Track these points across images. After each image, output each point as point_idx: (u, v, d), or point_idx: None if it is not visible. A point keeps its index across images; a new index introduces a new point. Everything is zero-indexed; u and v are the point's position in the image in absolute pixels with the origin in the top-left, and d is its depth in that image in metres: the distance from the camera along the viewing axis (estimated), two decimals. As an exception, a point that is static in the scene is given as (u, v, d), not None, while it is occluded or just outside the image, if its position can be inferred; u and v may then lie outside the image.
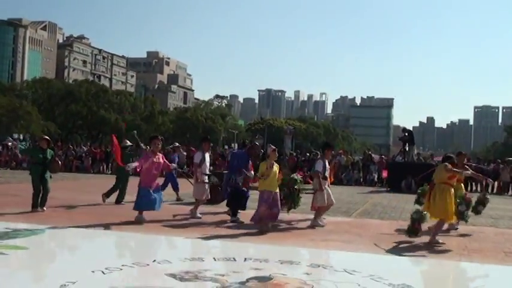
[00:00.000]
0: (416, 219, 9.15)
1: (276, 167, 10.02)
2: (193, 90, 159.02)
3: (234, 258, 7.20)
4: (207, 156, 11.78)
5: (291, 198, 11.00)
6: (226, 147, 43.80)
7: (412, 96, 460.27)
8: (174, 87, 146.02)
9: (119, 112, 72.76)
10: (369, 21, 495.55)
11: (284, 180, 11.03)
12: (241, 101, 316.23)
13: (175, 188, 14.88)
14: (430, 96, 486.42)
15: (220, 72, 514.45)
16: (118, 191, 13.52)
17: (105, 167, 30.18)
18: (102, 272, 6.06)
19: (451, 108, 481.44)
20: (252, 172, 10.98)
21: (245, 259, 7.19)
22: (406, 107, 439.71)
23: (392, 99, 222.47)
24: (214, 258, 7.18)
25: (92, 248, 8.28)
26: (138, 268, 6.48)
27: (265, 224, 9.84)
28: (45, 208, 11.46)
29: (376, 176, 26.28)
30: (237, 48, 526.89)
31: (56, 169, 12.29)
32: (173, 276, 5.98)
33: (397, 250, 8.49)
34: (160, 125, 76.40)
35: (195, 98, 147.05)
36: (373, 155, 28.89)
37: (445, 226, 10.00)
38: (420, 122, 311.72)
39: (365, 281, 6.16)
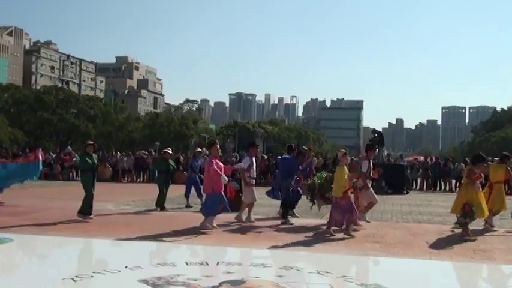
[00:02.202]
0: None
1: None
2: (163, 95, 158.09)
3: (206, 263, 7.17)
4: (254, 160, 12.03)
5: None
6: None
7: (381, 98, 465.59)
8: (144, 92, 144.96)
9: (88, 119, 71.86)
10: (338, 24, 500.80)
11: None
12: (212, 105, 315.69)
13: (199, 195, 14.58)
14: (399, 97, 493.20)
15: (190, 77, 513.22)
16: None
17: (74, 174, 29.80)
18: (73, 280, 5.97)
19: (419, 109, 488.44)
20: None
21: (218, 263, 7.16)
22: (375, 109, 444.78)
23: (362, 101, 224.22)
24: (186, 263, 7.11)
25: (62, 256, 8.15)
26: (109, 275, 6.39)
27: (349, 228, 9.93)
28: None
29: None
30: (207, 53, 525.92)
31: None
32: (145, 282, 5.91)
33: (369, 250, 8.56)
34: (131, 132, 75.78)
35: (166, 103, 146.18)
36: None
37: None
38: (389, 123, 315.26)
39: (337, 282, 6.20)
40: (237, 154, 31.79)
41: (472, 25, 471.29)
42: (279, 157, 16.26)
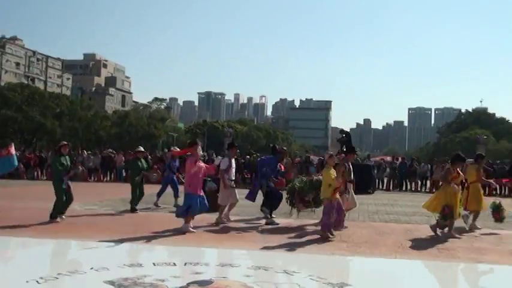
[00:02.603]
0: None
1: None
2: (131, 93, 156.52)
3: (174, 263, 7.13)
4: (233, 162, 11.89)
5: (318, 199, 10.96)
6: (166, 150, 43.31)
7: (349, 99, 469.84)
8: (112, 89, 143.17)
9: (55, 117, 70.62)
10: (307, 25, 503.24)
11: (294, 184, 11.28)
12: (181, 104, 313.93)
13: (176, 195, 14.57)
14: (367, 98, 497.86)
15: (159, 75, 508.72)
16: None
17: (39, 173, 29.29)
18: (37, 282, 5.87)
19: (386, 110, 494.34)
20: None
21: (185, 263, 7.13)
22: (343, 109, 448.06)
23: (331, 101, 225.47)
24: (153, 264, 7.06)
25: (27, 257, 8.00)
26: (75, 276, 6.29)
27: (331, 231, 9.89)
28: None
29: (314, 178, 26.60)
30: (176, 51, 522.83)
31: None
32: (111, 283, 5.85)
33: (336, 250, 8.63)
34: (98, 130, 74.77)
35: (134, 101, 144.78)
36: (311, 157, 29.36)
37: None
38: (357, 124, 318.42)
39: (304, 281, 6.23)
40: (205, 154, 31.66)
41: (438, 27, 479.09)
42: (260, 158, 16.12)
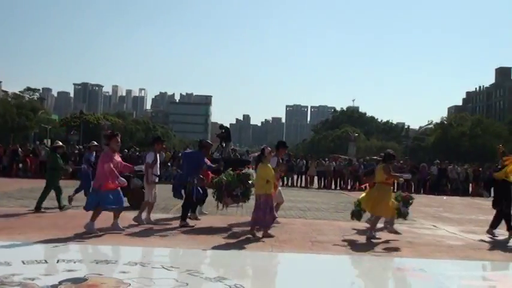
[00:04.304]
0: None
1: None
2: (0, 82, 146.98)
3: (45, 261, 6.82)
4: (158, 156, 11.14)
5: (246, 193, 10.72)
6: (37, 142, 41.17)
7: (229, 95, 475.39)
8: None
9: None
10: (187, 17, 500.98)
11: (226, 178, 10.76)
12: (55, 95, 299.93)
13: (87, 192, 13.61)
14: (247, 94, 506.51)
15: (31, 64, 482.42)
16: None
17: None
18: None
19: (265, 107, 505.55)
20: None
21: (58, 261, 6.85)
22: (223, 105, 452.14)
23: (211, 96, 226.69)
24: (23, 262, 6.65)
25: None
26: None
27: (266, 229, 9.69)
28: None
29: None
30: (50, 40, 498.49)
31: None
32: (-25, 284, 5.48)
33: (215, 243, 8.71)
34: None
35: (3, 90, 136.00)
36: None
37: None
38: (237, 119, 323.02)
39: (182, 276, 6.23)
40: (81, 147, 30.52)
41: (317, 30, 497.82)
42: (182, 152, 15.47)
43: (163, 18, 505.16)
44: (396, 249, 9.12)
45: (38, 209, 12.14)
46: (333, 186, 27.58)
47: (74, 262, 6.81)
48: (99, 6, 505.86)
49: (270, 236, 9.57)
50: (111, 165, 9.39)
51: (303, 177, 28.32)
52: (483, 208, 18.49)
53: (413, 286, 7.01)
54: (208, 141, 12.02)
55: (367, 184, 11.46)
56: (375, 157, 29.83)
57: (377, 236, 10.07)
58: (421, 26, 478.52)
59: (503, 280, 7.71)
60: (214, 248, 8.43)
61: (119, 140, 9.76)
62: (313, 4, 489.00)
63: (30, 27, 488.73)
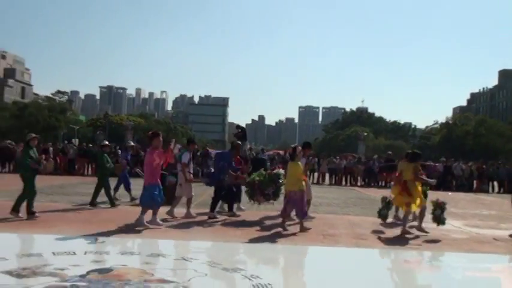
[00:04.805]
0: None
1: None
2: (31, 85, 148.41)
3: (74, 252, 6.87)
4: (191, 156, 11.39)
5: (277, 192, 10.85)
6: (66, 142, 41.52)
7: (245, 96, 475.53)
8: (11, 81, 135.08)
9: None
10: (205, 22, 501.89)
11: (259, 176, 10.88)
12: (83, 97, 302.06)
13: (128, 189, 13.81)
14: (261, 96, 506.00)
15: (61, 68, 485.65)
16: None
17: None
18: None
19: (279, 108, 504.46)
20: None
21: (85, 252, 6.90)
22: (240, 106, 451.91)
23: (228, 98, 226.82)
24: (53, 253, 6.74)
25: None
26: (-30, 267, 5.89)
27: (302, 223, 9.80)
28: None
29: (212, 170, 26.68)
30: (78, 44, 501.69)
31: None
32: (9, 273, 5.53)
33: (232, 237, 8.73)
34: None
35: (34, 93, 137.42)
36: (210, 150, 29.40)
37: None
38: (252, 120, 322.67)
39: (201, 267, 6.25)
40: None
41: (325, 31, 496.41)
42: (217, 152, 15.78)
43: (182, 27, 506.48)
44: (404, 243, 9.07)
45: (93, 204, 12.35)
46: (344, 183, 27.65)
47: (101, 254, 6.88)
48: (123, 16, 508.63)
49: (307, 229, 9.62)
50: (156, 163, 9.52)
51: (315, 174, 28.35)
52: (486, 203, 18.32)
53: (421, 278, 7.00)
54: (239, 142, 12.22)
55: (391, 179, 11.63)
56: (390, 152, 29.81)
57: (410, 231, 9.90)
58: (429, 30, 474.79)
59: (506, 272, 7.65)
60: (230, 240, 8.45)
61: (161, 138, 9.84)
62: (325, 8, 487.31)
63: (59, 34, 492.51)
